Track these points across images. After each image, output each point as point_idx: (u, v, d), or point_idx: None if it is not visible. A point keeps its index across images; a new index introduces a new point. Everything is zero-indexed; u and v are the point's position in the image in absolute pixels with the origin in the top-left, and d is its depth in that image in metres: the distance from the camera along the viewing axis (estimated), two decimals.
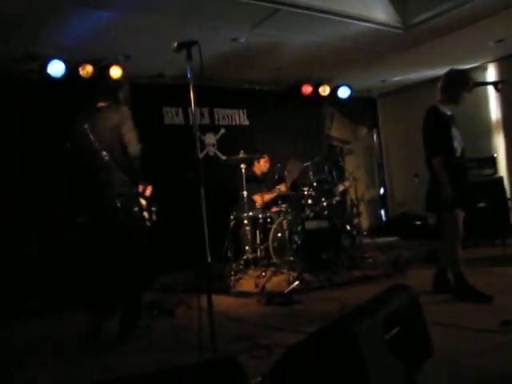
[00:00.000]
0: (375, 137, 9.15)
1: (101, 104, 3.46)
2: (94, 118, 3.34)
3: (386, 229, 7.99)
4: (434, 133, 3.72)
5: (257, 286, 4.62)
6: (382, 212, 8.92)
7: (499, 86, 3.38)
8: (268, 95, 7.53)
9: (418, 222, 7.37)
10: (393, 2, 5.28)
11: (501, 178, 6.34)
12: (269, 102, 7.51)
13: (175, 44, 2.72)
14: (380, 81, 8.12)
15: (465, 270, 3.89)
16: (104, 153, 3.20)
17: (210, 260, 2.71)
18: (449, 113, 3.78)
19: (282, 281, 4.74)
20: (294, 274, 4.61)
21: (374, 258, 5.54)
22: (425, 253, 5.56)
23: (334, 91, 7.59)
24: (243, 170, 5.15)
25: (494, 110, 7.37)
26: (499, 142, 7.32)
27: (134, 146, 3.38)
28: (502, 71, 7.24)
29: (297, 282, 4.43)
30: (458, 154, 3.74)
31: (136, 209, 3.33)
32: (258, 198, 5.72)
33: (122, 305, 3.40)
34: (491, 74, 7.37)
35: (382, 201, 9.00)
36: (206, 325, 2.75)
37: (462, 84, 3.71)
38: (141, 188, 3.40)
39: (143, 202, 3.39)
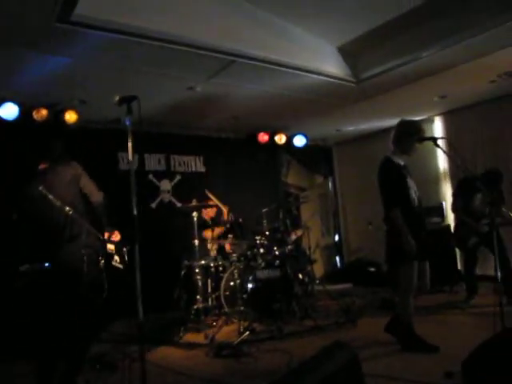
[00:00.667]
0: (330, 184, 9.33)
1: (43, 166, 3.46)
2: (46, 179, 3.37)
3: (340, 276, 8.02)
4: (390, 184, 3.75)
5: (206, 336, 4.52)
6: (337, 259, 8.99)
7: (438, 142, 3.51)
8: (225, 142, 7.64)
9: (372, 269, 7.45)
10: (344, 57, 5.50)
11: (448, 226, 6.54)
12: (226, 149, 7.60)
13: (117, 98, 2.72)
14: (335, 130, 8.37)
15: (414, 318, 3.94)
16: (67, 208, 3.27)
17: (141, 313, 2.60)
18: (402, 163, 3.85)
19: (232, 331, 4.66)
20: (245, 324, 4.54)
21: (326, 306, 5.53)
22: (378, 301, 5.60)
23: (290, 139, 7.75)
24: (195, 218, 5.10)
25: (441, 161, 7.69)
26: (447, 191, 7.59)
27: (96, 195, 3.54)
28: (446, 124, 7.61)
29: (247, 333, 4.36)
30: (416, 203, 3.77)
31: (102, 261, 3.38)
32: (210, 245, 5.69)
33: (66, 358, 3.25)
34: (438, 126, 7.74)
35: (337, 248, 9.09)
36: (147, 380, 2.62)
37: (414, 135, 3.77)
38: (106, 235, 3.47)
39: (111, 247, 3.46)
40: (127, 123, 2.75)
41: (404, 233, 3.60)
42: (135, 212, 2.71)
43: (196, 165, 7.32)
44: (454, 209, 5.56)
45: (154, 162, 6.89)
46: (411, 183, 3.79)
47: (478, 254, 5.39)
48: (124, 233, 3.48)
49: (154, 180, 6.87)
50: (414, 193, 3.76)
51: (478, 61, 5.17)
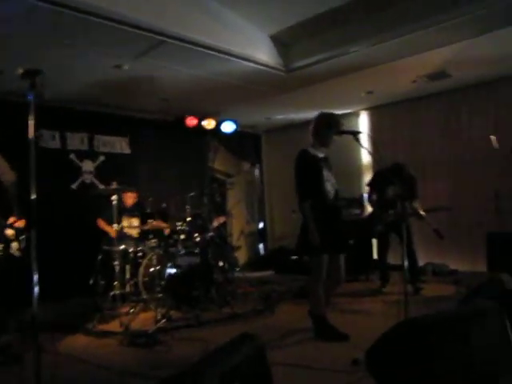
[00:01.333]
0: (257, 172, 9.38)
1: None
2: None
3: (263, 263, 8.12)
4: (303, 177, 3.74)
5: (122, 324, 4.37)
6: (261, 246, 9.09)
7: (357, 136, 3.59)
8: (152, 124, 7.44)
9: (294, 257, 7.59)
10: (276, 45, 5.50)
11: (366, 217, 6.77)
12: (153, 131, 7.41)
13: (20, 71, 2.51)
14: (264, 118, 8.41)
15: (330, 306, 4.07)
16: None
17: (36, 302, 2.45)
18: (321, 155, 3.86)
19: (149, 318, 4.56)
20: (163, 312, 4.45)
21: (246, 293, 5.57)
22: (297, 288, 5.71)
23: (218, 125, 7.64)
24: (114, 202, 4.91)
25: (364, 154, 7.95)
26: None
27: (8, 174, 3.44)
28: (371, 119, 7.91)
29: (163, 321, 4.29)
30: (331, 196, 3.80)
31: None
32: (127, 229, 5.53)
33: None
34: (363, 120, 8.00)
35: (261, 235, 9.18)
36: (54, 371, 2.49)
37: (332, 127, 3.79)
38: (11, 219, 3.33)
39: (10, 232, 3.32)
40: (29, 98, 2.53)
41: (311, 227, 3.63)
42: (33, 196, 2.53)
43: (121, 146, 7.06)
44: (369, 199, 5.79)
45: (76, 140, 6.57)
46: (328, 176, 3.81)
47: (388, 242, 5.64)
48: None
49: (76, 160, 6.55)
50: (329, 186, 3.78)
51: (401, 61, 5.41)
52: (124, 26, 4.08)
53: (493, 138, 5.15)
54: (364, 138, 4.16)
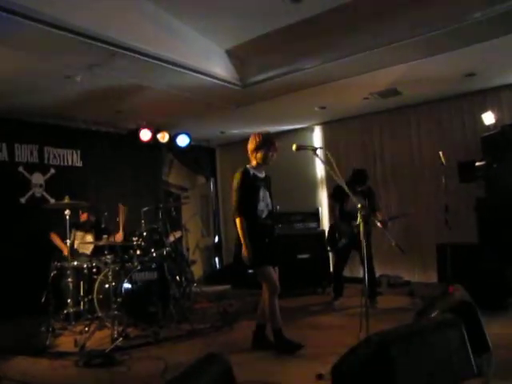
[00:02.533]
0: (212, 186, 9.33)
1: None
2: None
3: (219, 277, 8.05)
4: (238, 194, 3.90)
5: (77, 343, 4.20)
6: (217, 260, 9.02)
7: (317, 152, 3.66)
8: (105, 137, 7.27)
9: (250, 271, 7.54)
10: (232, 60, 5.53)
11: (323, 231, 6.88)
12: (106, 144, 7.24)
13: None
14: (219, 132, 8.41)
15: (287, 320, 4.07)
16: None
17: None
18: (261, 175, 4.02)
19: (105, 337, 4.41)
20: (119, 329, 4.32)
21: (204, 309, 5.50)
22: (254, 303, 5.66)
23: (173, 138, 7.53)
24: (67, 217, 4.73)
25: (319, 168, 8.10)
26: (323, 197, 8.02)
27: None
28: (325, 133, 8.09)
29: (120, 339, 4.15)
30: (264, 215, 3.95)
31: None
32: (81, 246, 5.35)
33: None
34: (317, 134, 8.16)
35: (217, 249, 9.12)
36: None
37: (266, 146, 3.92)
38: None
39: None
40: None
41: (244, 242, 3.80)
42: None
43: (72, 159, 6.84)
44: (331, 211, 5.87)
45: (25, 153, 6.29)
46: (265, 196, 3.98)
47: (348, 257, 5.73)
48: None
49: (25, 173, 6.27)
50: (263, 205, 3.95)
51: (353, 78, 5.58)
52: (76, 36, 3.95)
53: (441, 153, 5.36)
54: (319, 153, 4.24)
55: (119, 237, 5.41)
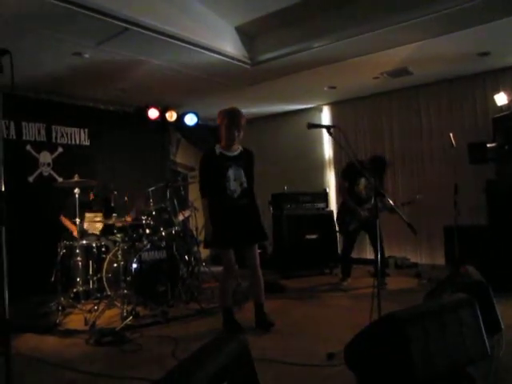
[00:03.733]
0: None
1: None
2: None
3: None
4: (204, 175, 3.90)
5: (87, 322, 4.22)
6: None
7: (331, 130, 3.59)
8: (113, 116, 7.22)
9: (259, 250, 7.56)
10: (242, 38, 5.45)
11: (331, 212, 6.87)
12: (113, 122, 7.19)
13: None
14: None
15: (295, 300, 4.07)
16: None
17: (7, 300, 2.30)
18: (231, 153, 3.92)
19: (115, 316, 4.44)
20: (128, 308, 4.33)
21: (212, 289, 5.52)
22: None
23: (181, 118, 7.46)
24: (77, 195, 4.72)
25: (327, 149, 8.04)
26: (330, 178, 7.98)
27: None
28: (334, 114, 8.00)
29: (130, 318, 4.17)
30: (236, 195, 3.86)
31: None
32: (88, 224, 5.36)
33: None
34: (326, 115, 8.08)
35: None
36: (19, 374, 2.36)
37: (225, 123, 3.84)
38: None
39: None
40: None
41: (206, 222, 3.85)
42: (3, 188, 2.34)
43: (80, 137, 6.80)
44: (341, 189, 5.81)
45: (32, 131, 6.25)
46: (235, 175, 3.86)
47: (356, 238, 5.71)
48: None
49: (33, 151, 6.24)
50: (234, 184, 3.85)
51: (364, 57, 5.49)
52: (86, 11, 3.90)
53: (451, 135, 5.30)
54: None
55: (130, 217, 5.41)
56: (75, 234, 5.01)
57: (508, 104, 5.91)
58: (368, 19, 4.67)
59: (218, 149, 3.91)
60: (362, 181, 5.52)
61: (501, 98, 5.93)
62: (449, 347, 2.37)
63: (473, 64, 5.99)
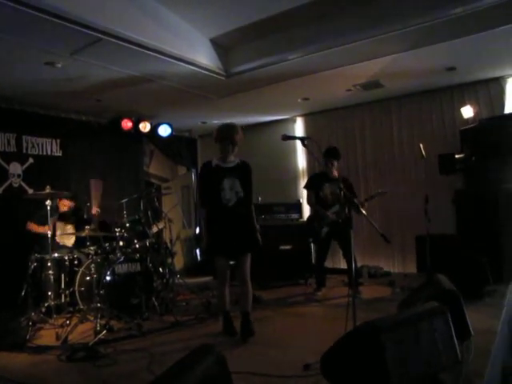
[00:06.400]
0: (193, 176, 9.27)
1: None
2: None
3: (200, 268, 8.00)
4: (201, 186, 4.14)
5: (58, 337, 4.12)
6: (198, 251, 8.97)
7: (306, 142, 3.65)
8: (86, 126, 7.13)
9: (232, 262, 7.55)
10: (216, 49, 5.48)
11: (304, 222, 6.90)
12: (86, 133, 7.10)
13: None
14: (200, 122, 8.34)
15: (271, 311, 4.09)
16: None
17: None
18: (227, 165, 4.10)
19: (88, 330, 4.34)
20: (102, 322, 4.26)
21: (187, 300, 5.48)
22: (236, 295, 5.67)
23: (154, 128, 7.45)
24: (48, 207, 4.64)
25: (301, 160, 8.13)
26: (304, 189, 8.03)
27: None
28: (307, 125, 8.11)
29: (104, 332, 4.10)
30: (232, 204, 4.01)
31: None
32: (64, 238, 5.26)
33: None
34: (299, 126, 8.18)
35: (198, 240, 9.07)
36: None
37: (221, 137, 4.07)
38: None
39: None
40: None
41: (204, 230, 4.08)
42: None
43: (52, 148, 6.67)
44: (308, 201, 5.90)
45: (2, 141, 6.09)
46: (230, 185, 4.04)
47: (328, 247, 5.77)
48: None
49: (2, 162, 6.10)
50: (230, 194, 4.02)
51: (337, 70, 5.60)
52: (59, 21, 3.85)
53: (421, 146, 5.45)
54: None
55: (94, 210, 5.34)
56: (44, 231, 4.85)
57: (474, 117, 6.10)
58: (341, 33, 4.77)
59: (214, 161, 4.13)
60: (326, 186, 5.62)
61: (467, 111, 6.14)
62: (423, 355, 2.43)
63: (441, 78, 6.19)
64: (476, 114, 6.14)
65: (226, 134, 4.06)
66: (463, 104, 6.26)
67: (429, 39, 4.76)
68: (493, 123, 5.79)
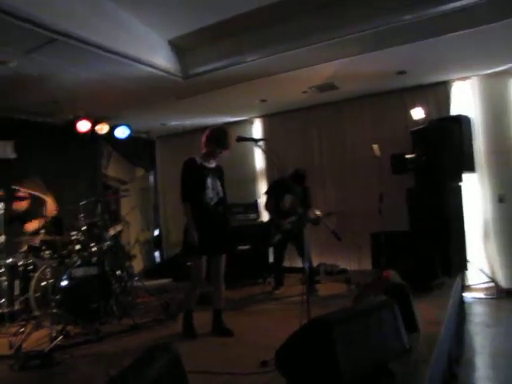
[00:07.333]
0: (152, 178, 9.22)
1: None
2: None
3: (160, 271, 7.98)
4: (184, 181, 4.10)
5: (12, 346, 3.99)
6: (157, 254, 8.93)
7: (259, 143, 3.77)
8: (41, 128, 6.98)
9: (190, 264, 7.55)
10: (174, 51, 5.49)
11: (263, 222, 7.01)
12: (41, 135, 6.95)
13: None
14: (159, 123, 8.30)
15: (229, 310, 4.32)
16: None
17: None
18: (209, 165, 4.17)
19: (43, 337, 4.21)
20: (58, 328, 4.17)
21: (146, 303, 5.46)
22: (199, 295, 5.69)
23: (112, 130, 7.36)
24: (1, 212, 4.53)
25: (259, 161, 8.22)
26: (262, 189, 8.13)
27: None
28: (265, 126, 8.21)
29: (60, 338, 4.01)
30: (213, 202, 4.10)
31: None
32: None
33: None
34: (257, 127, 8.27)
35: (157, 243, 9.03)
36: None
37: (216, 142, 4.13)
38: None
39: None
40: None
41: (190, 227, 4.00)
42: None
43: (5, 150, 6.47)
44: (266, 207, 6.01)
45: None
46: (214, 185, 4.14)
47: (285, 249, 5.91)
48: None
49: None
50: (212, 193, 4.10)
51: (294, 72, 5.71)
52: (14, 19, 3.78)
53: (375, 146, 5.63)
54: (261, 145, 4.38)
55: (32, 225, 5.22)
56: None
57: (423, 118, 6.36)
58: (297, 36, 4.88)
59: (198, 159, 4.14)
60: (287, 197, 5.75)
61: (417, 113, 6.39)
62: (372, 346, 2.54)
63: (392, 81, 6.41)
64: (425, 115, 6.40)
65: (221, 142, 4.12)
66: (414, 106, 6.49)
67: (380, 44, 4.94)
68: (440, 124, 6.04)
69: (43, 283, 4.68)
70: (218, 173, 4.26)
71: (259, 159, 8.21)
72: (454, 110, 6.38)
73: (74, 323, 4.44)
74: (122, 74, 5.36)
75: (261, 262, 6.76)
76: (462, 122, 6.02)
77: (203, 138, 4.17)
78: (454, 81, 6.44)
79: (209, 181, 4.10)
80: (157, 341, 3.99)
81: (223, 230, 4.20)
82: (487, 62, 5.81)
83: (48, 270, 4.61)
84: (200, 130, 8.46)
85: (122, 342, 4.17)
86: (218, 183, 4.19)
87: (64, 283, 4.54)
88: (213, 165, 4.22)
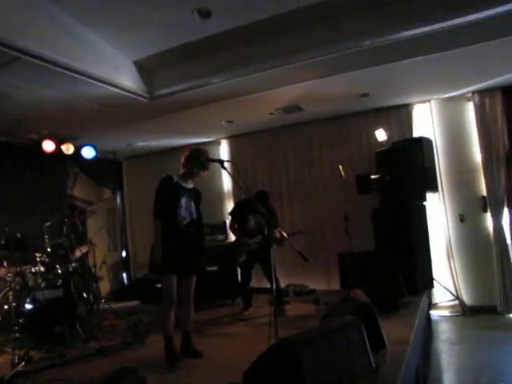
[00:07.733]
0: (119, 199, 9.12)
1: None
2: None
3: (127, 293, 7.85)
4: (158, 197, 4.06)
5: None
6: (124, 275, 8.79)
7: (224, 164, 3.81)
8: (5, 148, 6.80)
9: (159, 285, 7.45)
10: (140, 72, 5.51)
11: (230, 243, 7.01)
12: (4, 155, 6.78)
13: None
14: (126, 144, 8.26)
15: (197, 332, 4.24)
16: None
17: None
18: (187, 185, 4.14)
19: (4, 363, 4.08)
20: (21, 353, 4.05)
21: (113, 325, 5.35)
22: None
23: (78, 150, 7.26)
24: None
25: (226, 182, 8.26)
26: (229, 210, 8.15)
27: None
28: (232, 147, 8.28)
29: (22, 364, 3.89)
30: (186, 222, 4.07)
31: None
32: None
33: None
34: (224, 148, 8.32)
35: (124, 264, 8.89)
36: None
37: (194, 162, 4.10)
38: None
39: None
40: None
41: (155, 244, 3.95)
42: None
43: None
44: (231, 228, 6.04)
45: None
46: (187, 204, 4.10)
47: (251, 270, 5.92)
48: None
49: None
50: (185, 213, 4.07)
51: (260, 94, 5.83)
52: None
53: (341, 167, 5.76)
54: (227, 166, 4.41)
55: None
56: None
57: (387, 140, 6.56)
58: (262, 59, 5.00)
59: (175, 178, 4.11)
60: (251, 218, 5.81)
61: (381, 134, 6.59)
62: (338, 366, 2.58)
63: (356, 103, 6.62)
64: (389, 137, 6.60)
65: (198, 162, 4.09)
66: (377, 127, 6.68)
67: (342, 67, 5.13)
68: (403, 145, 6.25)
69: (6, 307, 4.53)
70: (195, 194, 4.23)
71: (226, 180, 8.25)
72: (416, 132, 6.62)
73: (37, 348, 4.32)
74: (88, 94, 5.34)
75: (229, 283, 6.73)
76: (424, 143, 6.22)
77: (182, 159, 4.14)
78: (415, 103, 6.70)
79: (183, 200, 4.06)
80: (124, 364, 3.90)
81: (194, 251, 4.15)
82: (445, 86, 6.09)
83: (10, 293, 4.47)
84: (167, 151, 8.63)
85: (88, 365, 4.07)
86: (193, 204, 4.16)
87: (27, 307, 4.42)
88: (190, 186, 4.20)
